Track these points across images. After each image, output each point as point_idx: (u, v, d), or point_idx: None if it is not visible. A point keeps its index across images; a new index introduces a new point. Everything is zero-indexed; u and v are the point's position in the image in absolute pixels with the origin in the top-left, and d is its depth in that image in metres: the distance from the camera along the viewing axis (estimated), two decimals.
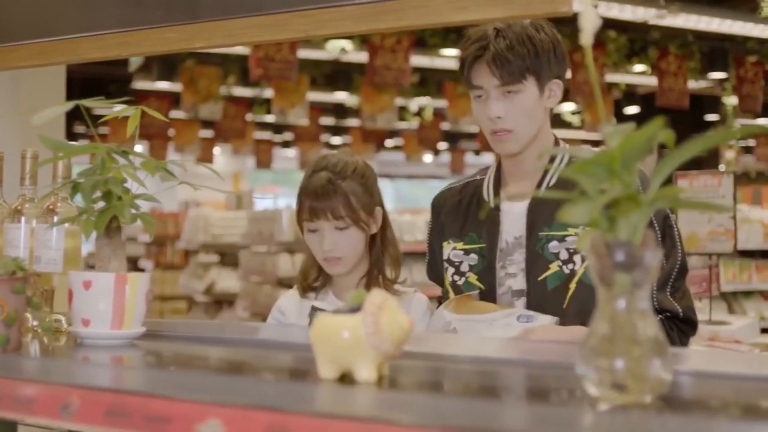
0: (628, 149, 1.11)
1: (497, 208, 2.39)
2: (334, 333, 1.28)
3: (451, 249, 2.44)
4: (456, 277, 2.42)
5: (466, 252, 2.42)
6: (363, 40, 8.25)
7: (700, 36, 9.26)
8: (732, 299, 8.41)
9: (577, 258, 2.27)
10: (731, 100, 10.23)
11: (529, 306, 2.29)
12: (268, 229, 7.05)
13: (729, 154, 10.94)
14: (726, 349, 3.79)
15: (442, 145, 17.62)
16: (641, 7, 6.95)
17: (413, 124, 13.31)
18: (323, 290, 2.62)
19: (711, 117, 11.86)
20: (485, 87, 2.28)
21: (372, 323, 1.25)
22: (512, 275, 2.35)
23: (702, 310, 4.43)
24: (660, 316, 2.27)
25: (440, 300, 2.54)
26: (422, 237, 7.28)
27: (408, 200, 22.34)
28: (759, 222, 8.32)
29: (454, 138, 17.05)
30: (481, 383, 1.30)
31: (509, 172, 2.44)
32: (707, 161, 14.05)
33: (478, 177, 2.53)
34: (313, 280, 2.61)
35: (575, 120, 12.27)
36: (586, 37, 1.23)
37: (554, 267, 2.29)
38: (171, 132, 14.45)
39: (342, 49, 8.60)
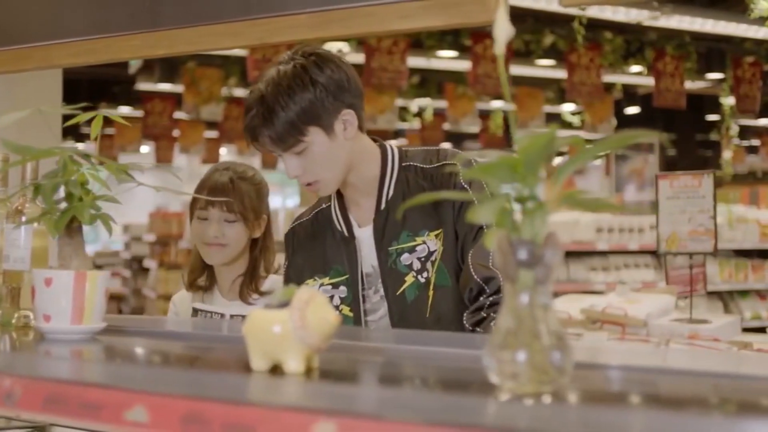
0: (529, 153, 1.17)
1: (352, 237, 2.38)
2: (265, 327, 1.35)
3: (318, 286, 2.39)
4: None
5: (335, 285, 2.39)
6: (359, 42, 8.34)
7: (697, 37, 9.32)
8: (728, 298, 8.45)
9: (428, 265, 2.29)
10: (729, 101, 10.27)
11: (392, 321, 2.32)
12: None
13: (726, 154, 10.96)
14: (702, 347, 3.85)
15: (446, 145, 17.70)
16: (634, 9, 6.99)
17: (416, 124, 13.38)
18: (209, 291, 2.85)
19: (712, 117, 11.88)
20: (275, 152, 2.27)
21: (299, 318, 1.32)
22: (384, 298, 2.36)
23: (684, 309, 4.49)
24: (488, 306, 2.23)
25: None
26: None
27: None
28: (755, 222, 8.36)
29: (458, 138, 17.10)
30: (401, 374, 1.37)
31: (348, 197, 2.41)
32: (712, 161, 14.11)
33: (324, 205, 2.47)
34: (198, 275, 2.85)
35: (575, 120, 12.33)
36: (499, 47, 1.30)
37: (410, 278, 2.31)
38: (176, 133, 14.55)
39: (339, 51, 8.68)
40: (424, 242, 2.30)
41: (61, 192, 1.82)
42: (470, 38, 8.41)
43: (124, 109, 13.36)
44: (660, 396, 1.26)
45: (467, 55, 8.67)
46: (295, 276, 2.47)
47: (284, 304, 1.36)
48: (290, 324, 1.33)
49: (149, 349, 1.68)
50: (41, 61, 2.27)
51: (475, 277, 2.24)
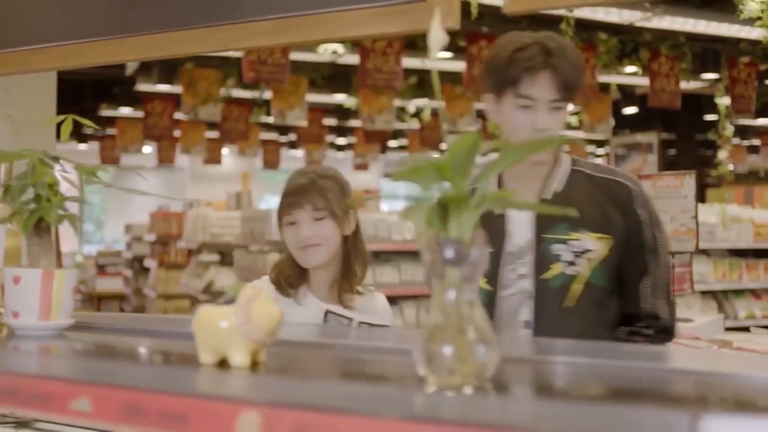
0: (456, 156, 1.23)
1: (502, 214, 2.52)
2: (212, 323, 1.41)
3: None
4: None
5: None
6: (354, 43, 8.41)
7: (692, 37, 9.36)
8: (723, 298, 8.49)
9: (581, 261, 2.45)
10: (724, 101, 10.31)
11: (536, 302, 2.47)
12: (259, 229, 7.20)
13: (722, 154, 11.00)
14: (681, 345, 3.90)
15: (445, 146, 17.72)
16: (626, 10, 7.04)
17: (415, 125, 13.44)
18: (301, 290, 2.67)
19: (711, 117, 11.91)
20: (538, 98, 2.40)
21: (243, 314, 1.38)
22: (524, 276, 2.50)
23: None
24: (646, 334, 2.50)
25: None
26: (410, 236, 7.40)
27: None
28: (750, 221, 8.39)
29: None
30: (341, 368, 1.43)
31: (512, 175, 2.56)
32: (711, 161, 14.13)
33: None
34: (287, 276, 2.68)
35: (573, 120, 12.37)
36: (433, 53, 1.36)
37: (557, 268, 2.45)
38: (177, 133, 14.63)
39: (334, 52, 8.76)
40: (580, 239, 2.45)
41: (31, 193, 1.88)
42: (465, 39, 8.47)
43: (125, 110, 13.44)
44: (586, 388, 1.32)
45: (462, 56, 8.71)
46: None
47: (231, 301, 1.43)
48: (235, 320, 1.39)
49: (109, 344, 1.74)
50: (20, 65, 2.33)
51: (642, 305, 2.51)
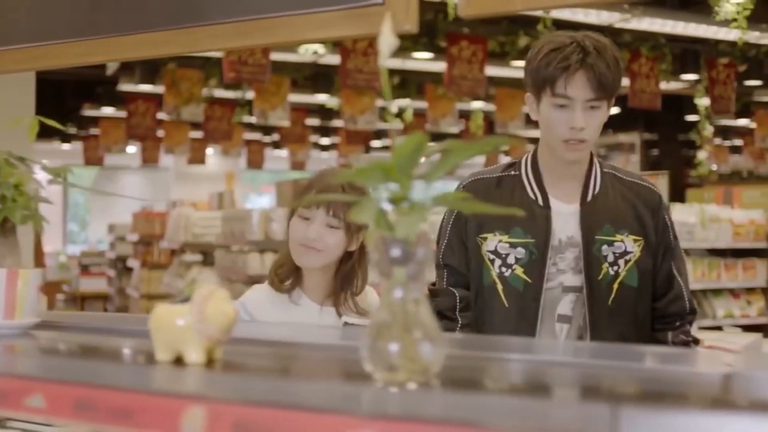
0: (401, 157, 1.26)
1: (547, 207, 2.56)
2: (168, 320, 1.44)
3: (497, 241, 2.57)
4: (503, 269, 2.57)
5: (512, 245, 2.56)
6: (335, 44, 8.43)
7: (672, 38, 9.42)
8: (702, 297, 8.54)
9: (621, 261, 2.54)
10: (704, 101, 10.38)
11: (590, 302, 2.53)
12: (240, 229, 7.22)
13: (702, 154, 11.07)
14: None
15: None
16: (606, 12, 7.09)
17: (397, 125, 13.47)
18: (295, 292, 2.65)
19: (693, 117, 11.98)
20: (574, 98, 2.43)
21: (198, 312, 1.41)
22: (563, 271, 2.55)
23: None
24: (688, 320, 2.69)
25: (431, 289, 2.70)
26: None
27: None
28: (728, 221, 8.44)
29: (441, 138, 17.20)
30: (293, 365, 1.46)
31: (551, 172, 2.61)
32: (693, 161, 14.20)
33: (512, 172, 2.66)
34: (285, 276, 2.65)
35: None
36: (383, 58, 1.39)
37: (604, 268, 2.53)
38: (161, 133, 14.63)
39: (315, 52, 8.78)
40: (623, 240, 2.54)
41: None
42: (445, 40, 8.51)
43: (108, 110, 13.44)
44: (523, 383, 1.35)
45: (443, 57, 8.75)
46: (471, 225, 2.62)
47: (187, 299, 1.45)
48: (190, 318, 1.42)
49: (71, 343, 1.76)
50: None
51: (687, 300, 2.67)
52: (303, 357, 1.57)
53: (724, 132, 17.02)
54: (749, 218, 8.50)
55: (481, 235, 2.60)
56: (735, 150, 18.77)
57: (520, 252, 2.55)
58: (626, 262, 2.54)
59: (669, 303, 2.65)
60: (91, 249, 17.87)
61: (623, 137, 14.30)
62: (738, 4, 6.18)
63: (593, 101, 2.43)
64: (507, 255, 2.56)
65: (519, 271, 2.55)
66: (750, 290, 8.56)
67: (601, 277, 2.52)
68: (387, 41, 1.40)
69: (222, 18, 1.95)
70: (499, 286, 2.57)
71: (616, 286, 2.53)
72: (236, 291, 7.44)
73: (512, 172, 2.66)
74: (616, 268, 2.53)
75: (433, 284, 2.73)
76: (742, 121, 14.98)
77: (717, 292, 8.53)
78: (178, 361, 1.42)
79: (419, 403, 1.17)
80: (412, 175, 1.28)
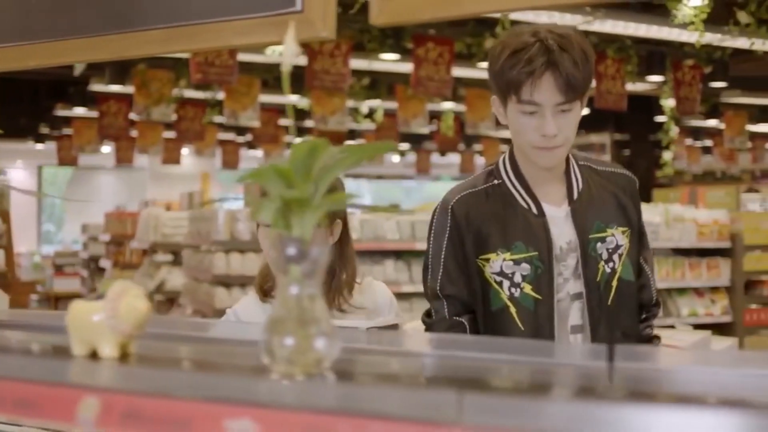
0: (296, 161, 1.33)
1: (542, 214, 2.40)
2: (83, 317, 1.50)
3: (501, 261, 2.38)
4: (513, 290, 2.37)
5: (516, 262, 2.37)
6: (301, 45, 8.43)
7: (638, 41, 9.53)
8: (666, 296, 8.64)
9: (615, 257, 2.42)
10: (670, 102, 10.51)
11: (590, 306, 2.38)
12: (206, 229, 7.27)
13: (667, 155, 11.19)
14: None
15: (405, 146, 17.89)
16: (568, 14, 7.18)
17: (369, 125, 13.54)
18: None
19: (662, 118, 12.09)
20: (542, 104, 2.23)
21: (111, 308, 1.47)
22: (567, 280, 2.40)
23: None
24: (651, 314, 2.57)
25: (429, 317, 2.50)
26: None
27: (382, 201, 22.56)
28: (693, 221, 8.54)
29: (417, 138, 17.28)
30: (202, 360, 1.52)
31: (533, 176, 2.43)
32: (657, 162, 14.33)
33: (495, 182, 2.47)
34: (271, 286, 2.59)
35: None
36: (286, 66, 1.46)
37: (601, 267, 2.39)
38: (135, 133, 14.65)
39: (281, 53, 8.79)
40: (613, 235, 2.42)
41: None
42: (411, 41, 8.58)
43: (80, 110, 13.44)
44: (400, 375, 1.41)
45: (409, 58, 8.82)
46: (470, 247, 2.43)
47: (102, 297, 1.52)
48: (104, 314, 1.48)
49: (2, 339, 1.81)
50: None
51: (653, 291, 2.56)
52: (220, 352, 1.62)
53: (695, 133, 17.18)
54: (713, 218, 8.61)
55: (482, 257, 2.41)
56: (707, 151, 18.95)
57: (525, 268, 2.37)
58: (620, 256, 2.41)
59: (638, 290, 2.51)
60: (65, 249, 17.86)
61: (594, 137, 14.41)
62: (695, 7, 6.28)
63: (563, 104, 2.24)
64: (513, 273, 2.38)
65: (528, 288, 2.37)
66: (714, 289, 8.67)
67: (599, 277, 2.39)
68: (290, 48, 1.47)
69: (151, 24, 2.01)
70: (513, 309, 2.37)
71: (615, 283, 2.40)
72: (203, 291, 7.48)
73: (495, 182, 2.47)
74: (611, 264, 2.40)
75: (429, 314, 2.52)
76: (712, 122, 15.13)
77: (681, 291, 8.63)
78: (94, 355, 1.48)
79: (312, 394, 1.23)
80: (309, 177, 1.34)
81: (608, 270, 2.40)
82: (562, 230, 2.40)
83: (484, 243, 2.40)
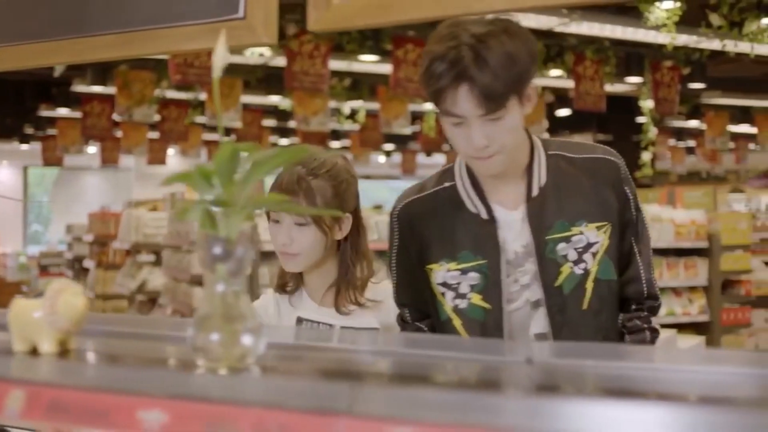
0: (219, 164, 1.38)
1: (492, 220, 2.25)
2: (24, 314, 1.56)
3: (445, 271, 2.29)
4: (458, 301, 2.28)
5: (463, 272, 2.27)
6: (281, 46, 8.53)
7: (617, 42, 9.62)
8: None
9: (587, 257, 2.22)
10: (648, 104, 10.61)
11: (550, 313, 2.24)
12: (185, 229, 7.32)
13: (646, 156, 11.28)
14: None
15: (390, 146, 17.97)
16: (544, 16, 7.25)
17: (352, 126, 13.61)
18: (297, 292, 2.56)
19: (643, 119, 12.19)
20: (464, 115, 2.05)
21: (49, 305, 1.53)
22: (527, 286, 2.26)
23: None
24: (643, 317, 2.34)
25: (405, 321, 2.45)
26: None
27: (369, 201, 22.62)
28: (670, 221, 8.61)
29: (402, 139, 17.36)
30: (138, 355, 1.58)
31: (488, 179, 2.27)
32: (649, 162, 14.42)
33: (446, 184, 2.34)
34: (287, 282, 2.56)
35: None
36: (216, 72, 1.51)
37: (566, 269, 2.22)
38: (119, 134, 14.66)
39: (260, 54, 8.89)
40: (582, 232, 2.22)
41: None
42: (391, 42, 8.64)
43: (63, 111, 13.47)
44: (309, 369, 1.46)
45: (389, 59, 8.89)
46: (414, 258, 2.35)
47: (41, 295, 1.58)
48: (43, 311, 1.54)
49: None
50: None
51: (644, 285, 2.34)
52: (157, 349, 1.68)
53: (678, 133, 17.29)
54: (690, 218, 8.68)
55: (427, 266, 2.31)
56: (691, 151, 19.06)
57: (474, 277, 2.26)
58: (594, 255, 2.21)
59: (624, 284, 2.31)
60: (50, 250, 17.87)
61: (577, 138, 14.50)
62: (667, 10, 6.36)
63: (488, 115, 2.04)
64: (459, 284, 2.27)
65: (476, 299, 2.26)
66: (692, 289, 8.73)
67: (560, 281, 2.22)
68: (220, 56, 1.53)
69: (103, 30, 2.07)
70: (457, 321, 2.29)
71: (590, 285, 2.21)
72: (182, 291, 7.53)
73: (446, 184, 2.34)
74: (583, 265, 2.21)
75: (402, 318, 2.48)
76: (694, 123, 15.24)
77: (659, 290, 8.70)
78: (34, 351, 1.54)
79: (235, 387, 1.29)
80: (233, 179, 1.40)
81: (579, 272, 2.22)
82: (518, 234, 2.25)
83: (427, 253, 2.31)
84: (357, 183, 2.54)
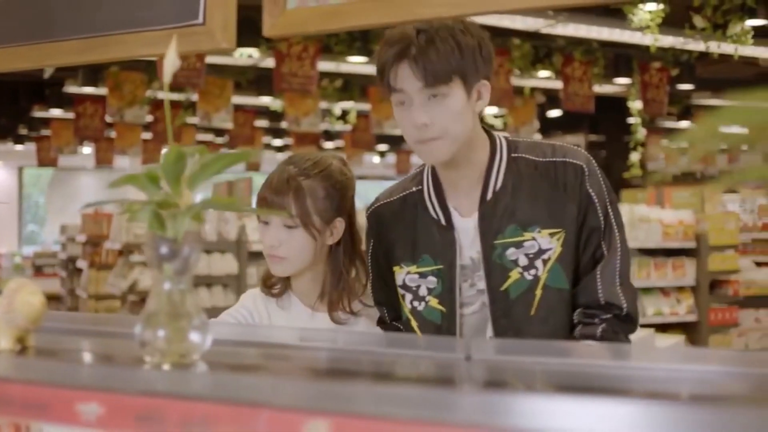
0: (167, 167, 1.43)
1: (450, 226, 2.26)
2: None
3: (405, 274, 2.32)
4: (416, 303, 2.31)
5: (422, 275, 2.30)
6: (269, 47, 8.58)
7: (605, 43, 9.68)
8: None
9: (538, 263, 2.20)
10: (637, 104, 10.66)
11: (494, 317, 2.23)
12: None
13: (634, 156, 11.34)
14: None
15: (383, 147, 18.01)
16: (530, 18, 7.30)
17: (344, 127, 13.65)
18: (285, 295, 2.47)
19: (633, 120, 12.24)
20: (407, 91, 2.09)
21: (6, 303, 1.58)
22: (483, 291, 2.25)
23: None
24: (604, 318, 2.21)
25: (384, 322, 2.46)
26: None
27: (363, 201, 22.63)
28: (658, 222, 8.65)
29: (396, 139, 17.40)
30: (94, 351, 1.63)
31: (448, 183, 2.29)
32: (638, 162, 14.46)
33: (414, 188, 2.36)
34: (274, 283, 2.47)
35: (498, 123, 12.67)
36: (167, 76, 1.56)
37: (515, 275, 2.20)
38: (113, 134, 14.71)
39: (249, 56, 8.94)
40: (534, 238, 2.19)
41: None
42: (378, 44, 8.65)
43: (56, 111, 13.51)
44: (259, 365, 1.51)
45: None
46: (382, 260, 2.38)
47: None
48: (0, 309, 1.58)
49: None
50: None
51: (601, 293, 2.22)
52: (113, 345, 1.73)
53: (670, 134, 17.32)
54: (678, 218, 8.73)
55: (393, 268, 2.35)
56: (685, 152, 19.05)
57: (432, 281, 2.28)
58: (545, 262, 2.18)
59: (578, 292, 2.24)
60: (44, 250, 17.91)
61: (570, 138, 14.57)
62: (651, 12, 6.40)
63: (431, 89, 2.07)
64: (418, 287, 2.30)
65: (434, 302, 2.28)
66: (680, 289, 8.77)
67: (506, 286, 2.20)
68: (171, 62, 1.58)
69: (69, 35, 2.12)
70: (414, 323, 2.32)
71: (539, 292, 2.19)
72: None
73: (414, 188, 2.36)
74: (534, 271, 2.19)
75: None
76: (685, 124, 15.30)
77: (647, 290, 8.73)
78: None
79: (179, 382, 1.34)
80: (179, 181, 1.45)
81: (529, 277, 2.19)
82: (473, 240, 2.25)
83: (391, 255, 2.34)
84: (354, 186, 2.47)
